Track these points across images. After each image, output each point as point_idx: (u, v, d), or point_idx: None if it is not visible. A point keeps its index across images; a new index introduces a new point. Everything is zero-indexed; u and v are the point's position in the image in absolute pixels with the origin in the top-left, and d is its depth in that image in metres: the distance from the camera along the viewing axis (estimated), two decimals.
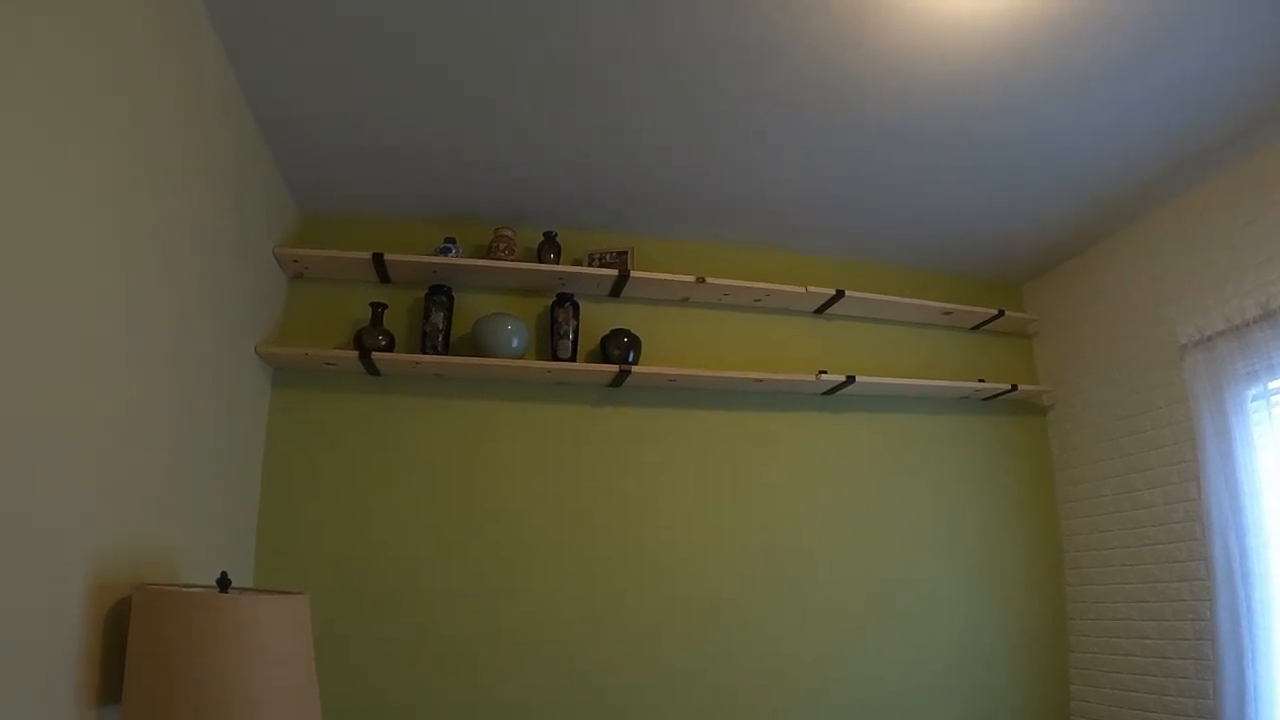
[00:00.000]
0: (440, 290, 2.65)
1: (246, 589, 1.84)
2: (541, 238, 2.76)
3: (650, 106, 2.23)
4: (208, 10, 1.80)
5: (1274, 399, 2.37)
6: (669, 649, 2.61)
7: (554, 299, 2.76)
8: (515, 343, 2.60)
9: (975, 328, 3.28)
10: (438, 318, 2.62)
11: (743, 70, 2.07)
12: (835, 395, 2.99)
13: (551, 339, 2.71)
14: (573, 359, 2.68)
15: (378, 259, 2.54)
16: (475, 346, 2.60)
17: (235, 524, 2.28)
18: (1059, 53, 2.01)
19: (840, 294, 2.91)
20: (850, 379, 2.81)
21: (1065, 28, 1.91)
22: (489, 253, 2.69)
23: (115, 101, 1.43)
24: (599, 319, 2.83)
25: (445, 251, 2.64)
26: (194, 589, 1.59)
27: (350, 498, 2.52)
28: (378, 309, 2.57)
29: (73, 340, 1.32)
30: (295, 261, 2.56)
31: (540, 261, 2.71)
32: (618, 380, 2.70)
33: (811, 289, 2.88)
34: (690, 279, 2.76)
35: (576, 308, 2.73)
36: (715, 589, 2.70)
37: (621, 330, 2.72)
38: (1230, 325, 2.45)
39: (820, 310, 3.06)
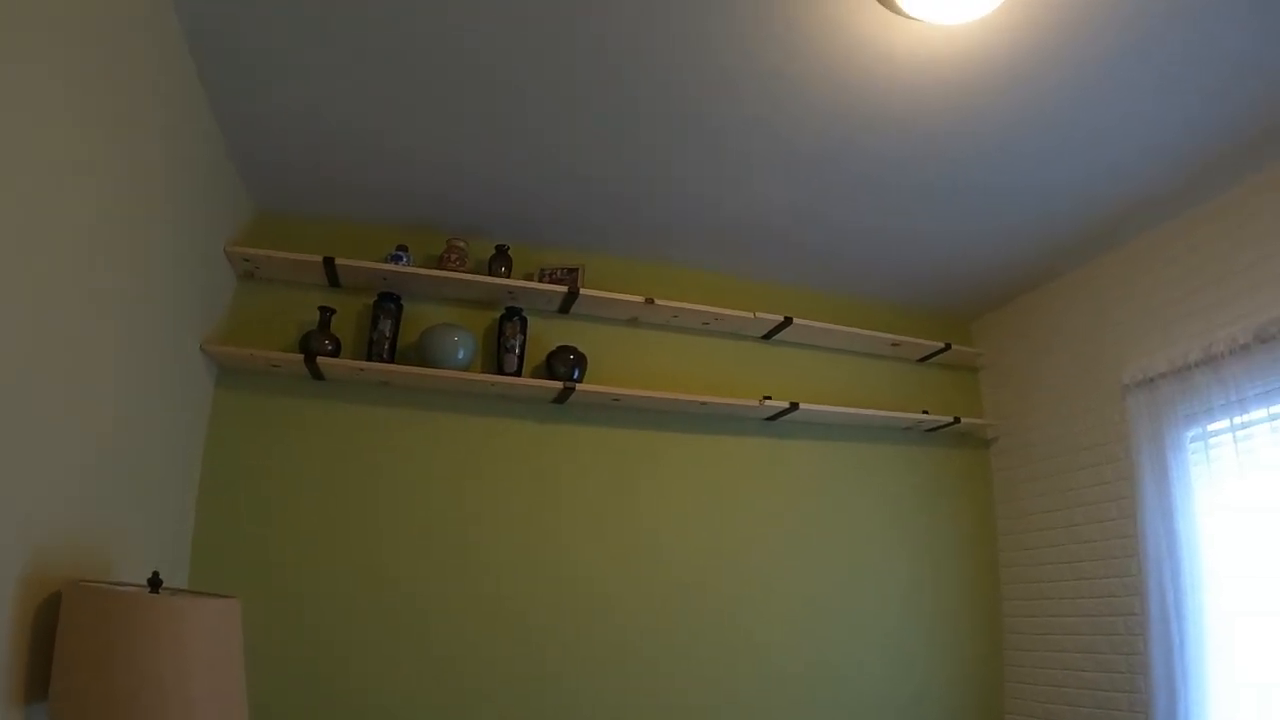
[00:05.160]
0: (389, 298, 2.67)
1: (179, 590, 1.83)
2: (493, 250, 2.78)
3: (607, 130, 2.25)
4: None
5: (1212, 441, 2.42)
6: (597, 671, 2.62)
7: (503, 312, 2.77)
8: (461, 354, 2.61)
9: (922, 360, 3.33)
10: (385, 325, 2.63)
11: (699, 97, 2.10)
12: (779, 421, 3.02)
13: (498, 353, 2.72)
14: (518, 374, 2.70)
15: (328, 263, 2.55)
16: (421, 356, 2.61)
17: (172, 523, 2.27)
18: (1014, 95, 2.05)
19: (788, 321, 2.95)
20: (794, 406, 2.85)
21: (1021, 70, 1.95)
22: (440, 263, 2.70)
23: (64, 85, 1.40)
24: (547, 335, 2.85)
25: (396, 259, 2.65)
26: (125, 587, 1.58)
27: (289, 502, 2.51)
28: (326, 313, 2.57)
29: (4, 324, 1.29)
30: (246, 260, 2.56)
31: (491, 274, 2.73)
32: (562, 397, 2.72)
33: (760, 315, 2.91)
34: (639, 299, 2.79)
35: (524, 322, 2.75)
36: (649, 613, 2.72)
37: (568, 347, 2.74)
38: (1173, 368, 2.51)
39: (768, 336, 3.10)
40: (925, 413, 3.10)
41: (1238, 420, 2.33)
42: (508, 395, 2.75)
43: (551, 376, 2.71)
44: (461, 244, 2.73)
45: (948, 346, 3.20)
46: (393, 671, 2.45)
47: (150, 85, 1.80)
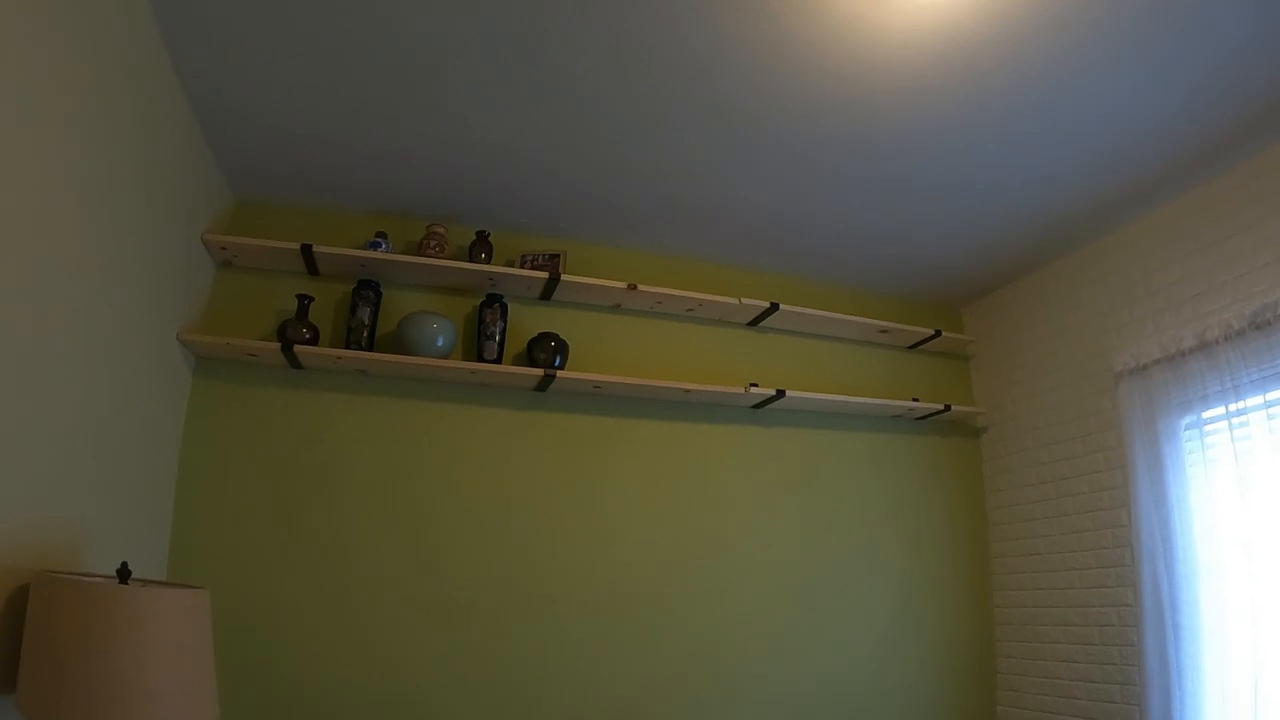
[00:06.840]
0: (368, 285, 2.63)
1: (149, 581, 1.81)
2: (474, 236, 2.74)
3: (593, 112, 2.22)
4: None
5: (1207, 429, 2.38)
6: (581, 655, 2.60)
7: (483, 299, 2.73)
8: (440, 342, 2.58)
9: (912, 347, 3.28)
10: (364, 313, 2.60)
11: (689, 81, 2.06)
12: (765, 409, 2.98)
13: (478, 340, 2.69)
14: (498, 361, 2.66)
15: (306, 250, 2.51)
16: (400, 344, 2.58)
17: (149, 514, 2.24)
18: (1003, 77, 2.01)
19: (774, 307, 2.90)
20: (780, 393, 2.80)
21: (1009, 52, 1.92)
22: (420, 249, 2.67)
23: (35, 73, 1.38)
24: (528, 322, 2.81)
25: (375, 246, 2.61)
26: (94, 578, 1.57)
27: (268, 491, 2.49)
28: (304, 301, 2.54)
29: None
30: (224, 249, 2.53)
31: (471, 260, 2.69)
32: (543, 385, 2.69)
33: (745, 301, 2.87)
34: (622, 285, 2.75)
35: (505, 309, 2.71)
36: (632, 601, 2.69)
37: (549, 334, 2.70)
38: (1166, 355, 2.47)
39: (754, 323, 3.05)
40: (915, 400, 3.05)
41: (1233, 407, 2.28)
42: (488, 383, 2.71)
43: (532, 364, 2.67)
44: (441, 230, 2.69)
45: (938, 333, 3.15)
46: (367, 658, 2.42)
47: (125, 73, 1.77)
